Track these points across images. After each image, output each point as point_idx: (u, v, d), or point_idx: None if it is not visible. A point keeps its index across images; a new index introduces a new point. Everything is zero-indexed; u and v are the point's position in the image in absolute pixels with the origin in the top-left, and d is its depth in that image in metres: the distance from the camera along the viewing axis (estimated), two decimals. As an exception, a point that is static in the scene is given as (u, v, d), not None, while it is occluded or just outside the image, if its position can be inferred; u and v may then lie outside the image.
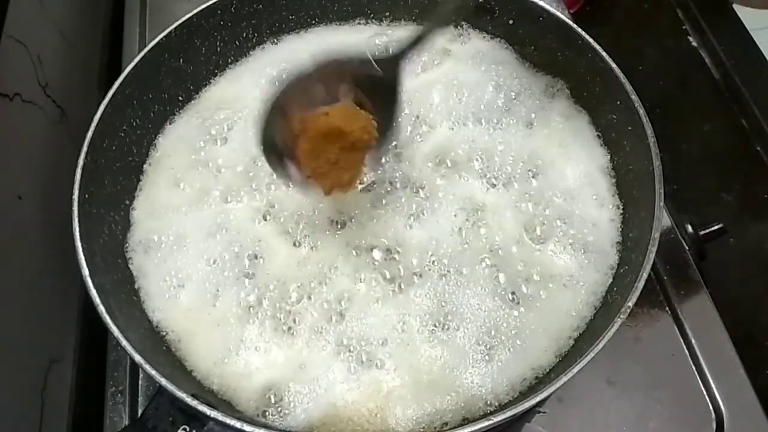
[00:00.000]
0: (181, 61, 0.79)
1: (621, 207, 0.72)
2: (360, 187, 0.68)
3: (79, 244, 0.62)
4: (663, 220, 0.63)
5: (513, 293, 0.67)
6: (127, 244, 0.71)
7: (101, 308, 0.59)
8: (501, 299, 0.66)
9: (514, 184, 0.73)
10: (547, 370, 0.64)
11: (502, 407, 0.62)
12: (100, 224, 0.68)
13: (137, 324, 0.66)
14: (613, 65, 0.72)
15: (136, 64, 0.73)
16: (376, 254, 0.69)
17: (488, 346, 0.64)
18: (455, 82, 0.79)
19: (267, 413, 0.62)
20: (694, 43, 0.99)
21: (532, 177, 0.73)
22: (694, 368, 0.76)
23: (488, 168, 0.74)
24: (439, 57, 0.82)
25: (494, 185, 0.73)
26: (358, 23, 0.87)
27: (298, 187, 0.66)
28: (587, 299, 0.67)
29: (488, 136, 0.76)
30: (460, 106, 0.78)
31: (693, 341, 0.78)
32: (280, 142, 0.64)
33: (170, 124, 0.79)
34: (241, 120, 0.78)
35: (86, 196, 0.66)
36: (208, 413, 0.54)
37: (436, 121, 0.77)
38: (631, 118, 0.70)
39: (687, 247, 0.85)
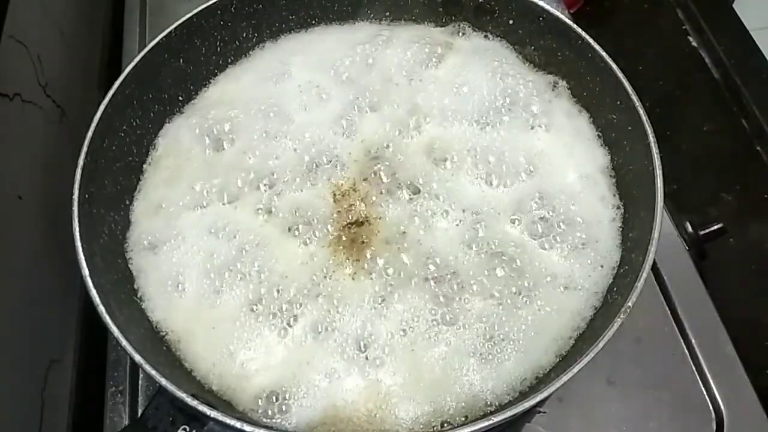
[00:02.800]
0: (181, 61, 0.79)
1: (621, 207, 0.72)
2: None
3: (79, 244, 0.62)
4: (663, 220, 0.63)
5: (513, 293, 0.67)
6: (126, 244, 0.71)
7: (101, 308, 0.59)
8: (501, 299, 0.66)
9: (514, 184, 0.73)
10: (547, 370, 0.64)
11: (502, 407, 0.62)
12: (100, 224, 0.68)
13: (137, 324, 0.66)
14: (613, 65, 0.72)
15: (136, 64, 0.73)
16: (377, 254, 0.69)
17: (488, 346, 0.64)
18: (455, 81, 0.79)
19: (267, 413, 0.62)
20: (694, 43, 0.99)
21: (532, 176, 0.73)
22: (694, 368, 0.76)
23: (488, 167, 0.74)
24: (440, 56, 0.82)
25: (494, 184, 0.73)
26: (358, 23, 0.87)
27: None
28: (587, 299, 0.67)
29: (488, 135, 0.76)
30: (459, 104, 0.78)
31: (693, 341, 0.78)
32: None
33: (170, 124, 0.79)
34: (241, 120, 0.78)
35: (86, 196, 0.66)
36: (208, 413, 0.54)
37: (435, 119, 0.77)
38: (631, 118, 0.70)
39: (687, 247, 0.85)
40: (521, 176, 0.73)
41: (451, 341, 0.65)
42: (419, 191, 0.72)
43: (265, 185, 0.74)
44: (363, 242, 0.70)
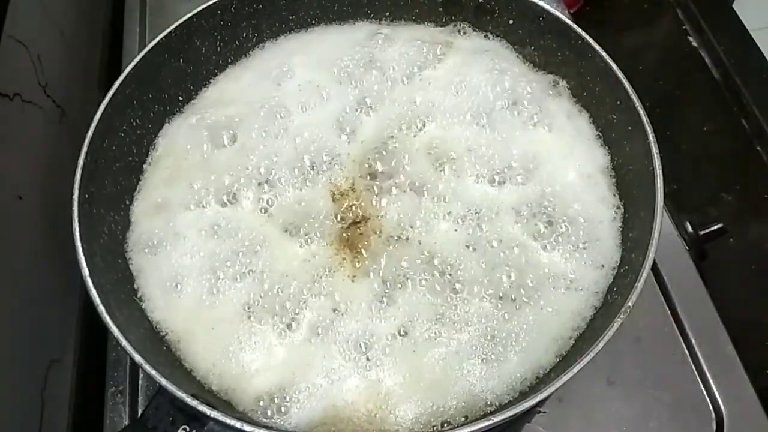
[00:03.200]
0: (181, 61, 0.79)
1: (621, 207, 0.72)
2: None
3: (79, 244, 0.62)
4: (663, 220, 0.63)
5: (513, 293, 0.67)
6: (126, 244, 0.71)
7: (101, 308, 0.59)
8: (501, 299, 0.66)
9: (514, 184, 0.73)
10: (547, 370, 0.64)
11: (502, 407, 0.62)
12: (100, 224, 0.68)
13: (137, 324, 0.66)
14: (613, 65, 0.72)
15: (136, 64, 0.73)
16: (377, 254, 0.69)
17: (489, 346, 0.64)
18: (455, 81, 0.79)
19: (267, 413, 0.62)
20: (694, 43, 0.99)
21: (533, 177, 0.73)
22: (694, 368, 0.76)
23: (488, 167, 0.74)
24: (440, 56, 0.82)
25: (494, 184, 0.73)
26: (358, 23, 0.86)
27: None
28: (587, 299, 0.67)
29: (488, 135, 0.76)
30: (459, 104, 0.78)
31: (693, 341, 0.78)
32: None
33: (170, 124, 0.79)
34: (241, 119, 0.78)
35: (86, 196, 0.66)
36: (208, 413, 0.54)
37: (436, 119, 0.77)
38: (631, 118, 0.70)
39: (687, 247, 0.85)
40: (522, 176, 0.73)
41: (452, 341, 0.65)
42: (419, 191, 0.72)
43: (264, 185, 0.74)
44: (363, 242, 0.70)
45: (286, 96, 0.80)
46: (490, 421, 0.55)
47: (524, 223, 0.71)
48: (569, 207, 0.71)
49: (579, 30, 0.75)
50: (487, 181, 0.73)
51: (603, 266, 0.68)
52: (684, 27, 1.01)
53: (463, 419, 0.62)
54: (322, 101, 0.79)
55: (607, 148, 0.75)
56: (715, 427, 0.73)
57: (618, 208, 0.72)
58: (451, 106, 0.78)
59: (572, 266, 0.68)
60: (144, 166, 0.76)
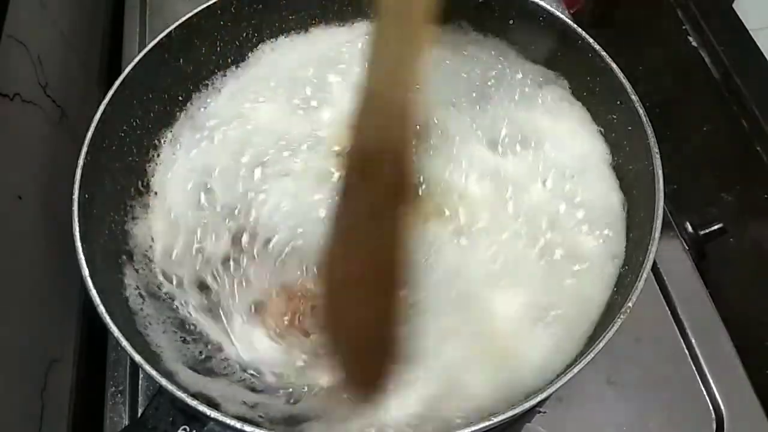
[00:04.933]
0: (181, 61, 0.78)
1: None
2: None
3: (79, 244, 0.62)
4: (663, 220, 0.63)
5: (513, 293, 0.67)
6: (126, 245, 0.71)
7: (101, 308, 0.59)
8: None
9: (517, 195, 0.73)
10: (548, 370, 0.64)
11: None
12: (100, 224, 0.68)
13: (137, 324, 0.66)
14: (613, 65, 0.72)
15: (136, 64, 0.73)
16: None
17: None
18: (455, 81, 0.79)
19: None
20: (694, 43, 0.99)
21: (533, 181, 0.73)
22: (694, 368, 0.76)
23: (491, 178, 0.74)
24: (440, 55, 0.82)
25: (499, 198, 0.73)
26: (358, 23, 0.86)
27: None
28: (587, 299, 0.67)
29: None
30: (460, 104, 0.78)
31: (693, 341, 0.78)
32: None
33: (170, 123, 0.79)
34: (243, 119, 0.78)
35: (86, 196, 0.66)
36: (208, 413, 0.54)
37: (437, 118, 0.77)
38: (631, 118, 0.70)
39: (687, 247, 0.85)
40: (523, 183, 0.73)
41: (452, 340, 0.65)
42: (424, 191, 0.72)
43: (265, 185, 0.74)
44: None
45: (286, 96, 0.80)
46: (490, 421, 0.54)
47: (525, 224, 0.71)
48: (569, 208, 0.71)
49: (579, 30, 0.75)
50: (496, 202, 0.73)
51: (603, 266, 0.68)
52: (684, 27, 1.01)
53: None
54: (324, 102, 0.79)
55: (607, 147, 0.75)
56: (715, 427, 0.73)
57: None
58: (452, 106, 0.78)
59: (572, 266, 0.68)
60: (144, 166, 0.76)
